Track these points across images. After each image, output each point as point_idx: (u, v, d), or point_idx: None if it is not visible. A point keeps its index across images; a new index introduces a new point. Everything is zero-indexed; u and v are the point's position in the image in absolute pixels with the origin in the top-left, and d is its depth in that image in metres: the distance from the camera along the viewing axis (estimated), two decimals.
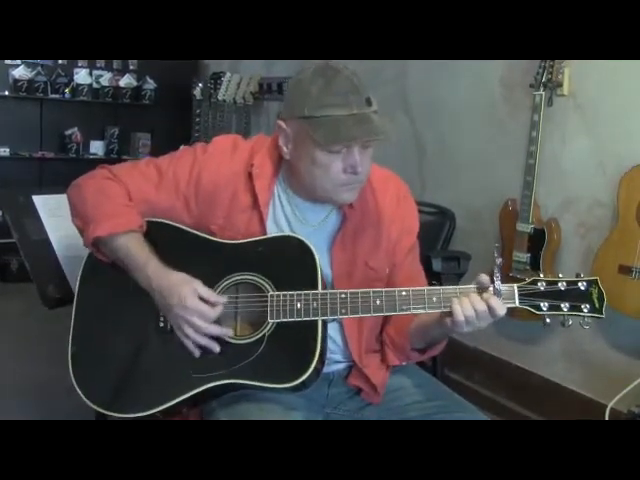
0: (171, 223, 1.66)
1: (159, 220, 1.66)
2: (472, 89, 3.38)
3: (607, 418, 2.65)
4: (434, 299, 1.49)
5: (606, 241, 2.67)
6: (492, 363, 3.33)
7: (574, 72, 2.86)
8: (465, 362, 3.37)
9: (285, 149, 1.60)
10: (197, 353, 1.55)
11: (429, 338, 1.64)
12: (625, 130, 2.71)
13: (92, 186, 1.66)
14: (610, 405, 2.64)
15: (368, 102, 1.52)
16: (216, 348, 1.54)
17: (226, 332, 1.54)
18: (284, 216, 1.67)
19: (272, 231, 1.65)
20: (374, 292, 1.51)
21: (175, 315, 1.53)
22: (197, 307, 1.51)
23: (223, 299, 1.54)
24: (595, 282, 1.47)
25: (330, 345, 1.65)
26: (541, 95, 2.86)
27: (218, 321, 1.55)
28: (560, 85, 2.87)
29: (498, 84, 3.23)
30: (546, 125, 2.89)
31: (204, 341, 1.53)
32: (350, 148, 1.52)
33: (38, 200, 2.13)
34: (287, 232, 1.65)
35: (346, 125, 1.48)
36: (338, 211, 1.68)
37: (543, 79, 2.86)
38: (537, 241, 2.91)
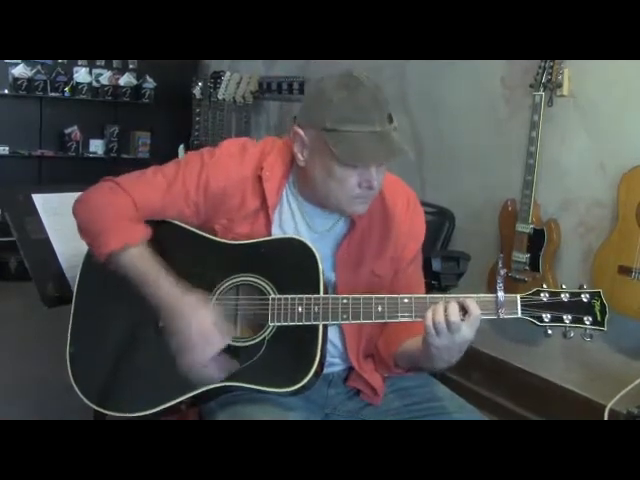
0: (174, 222, 1.64)
1: (162, 219, 1.64)
2: (472, 89, 3.38)
3: (606, 419, 2.64)
4: None
5: (606, 242, 2.67)
6: (491, 363, 3.33)
7: (574, 73, 2.86)
8: (464, 362, 3.35)
9: (300, 156, 1.58)
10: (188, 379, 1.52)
11: (414, 363, 1.62)
12: (625, 130, 2.71)
13: (99, 200, 1.63)
14: (609, 406, 2.64)
15: (390, 119, 1.51)
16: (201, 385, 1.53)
17: (219, 377, 1.52)
18: (292, 220, 1.66)
19: (277, 235, 1.63)
20: (376, 298, 1.51)
21: (182, 338, 1.50)
22: (199, 342, 1.48)
23: (228, 339, 1.51)
24: (598, 294, 1.46)
25: (330, 348, 1.65)
26: (541, 95, 2.86)
27: None
28: (560, 86, 2.87)
29: (498, 84, 3.23)
30: (546, 125, 2.89)
31: (196, 372, 1.51)
32: (367, 165, 1.51)
33: (38, 199, 2.13)
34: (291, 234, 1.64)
35: (367, 144, 1.47)
36: (346, 218, 1.66)
37: (543, 80, 2.86)
38: (537, 241, 2.91)
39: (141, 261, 1.56)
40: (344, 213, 1.62)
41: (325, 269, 1.56)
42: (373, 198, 1.60)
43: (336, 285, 1.64)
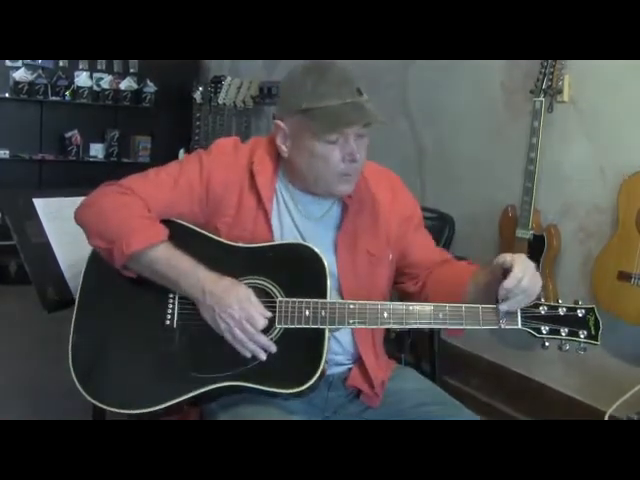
0: (183, 223, 1.66)
1: (171, 220, 1.65)
2: (472, 94, 3.39)
3: None
4: (440, 315, 1.53)
5: (606, 247, 2.67)
6: (490, 368, 3.33)
7: (574, 79, 2.86)
8: (463, 367, 3.37)
9: (284, 147, 1.65)
10: (249, 355, 1.53)
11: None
12: (625, 136, 2.71)
13: (110, 203, 1.62)
14: (609, 412, 2.64)
15: (359, 92, 1.58)
16: (262, 356, 1.53)
17: (270, 345, 1.53)
18: (287, 211, 1.70)
19: (276, 227, 1.67)
20: (382, 305, 1.54)
21: (229, 316, 1.51)
22: (250, 310, 1.51)
23: (268, 313, 1.54)
24: (592, 310, 1.54)
25: (334, 346, 1.66)
26: (541, 101, 2.87)
27: None
28: (560, 92, 2.88)
29: (498, 90, 3.24)
30: (546, 131, 2.89)
31: (252, 347, 1.52)
32: (346, 137, 1.58)
33: (39, 203, 2.13)
34: (291, 227, 1.69)
35: (341, 113, 1.55)
36: (339, 203, 1.72)
37: (543, 86, 2.86)
38: (537, 247, 2.91)
39: (173, 255, 1.57)
40: (333, 194, 1.67)
41: (324, 253, 1.58)
42: (358, 175, 1.66)
43: (337, 270, 1.67)
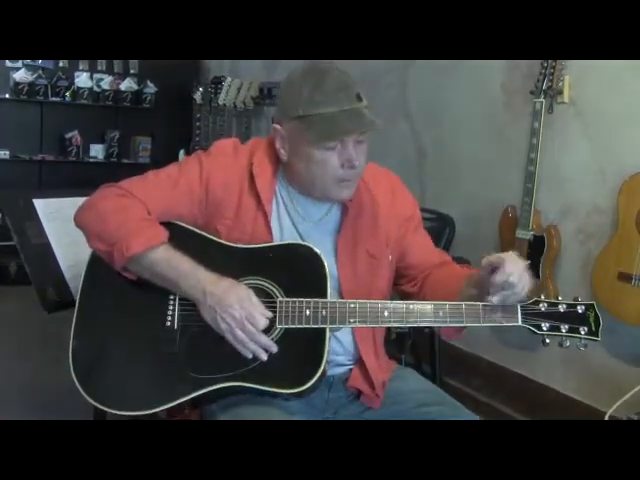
0: (183, 225, 1.66)
1: (171, 221, 1.65)
2: (473, 95, 3.39)
3: None
4: (440, 313, 1.53)
5: (606, 248, 2.67)
6: (490, 369, 3.33)
7: (574, 79, 2.86)
8: (464, 368, 3.37)
9: (282, 151, 1.65)
10: (250, 356, 1.53)
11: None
12: (625, 137, 2.71)
13: (110, 206, 1.62)
14: (609, 412, 2.64)
15: (358, 97, 1.57)
16: (263, 356, 1.53)
17: (271, 345, 1.53)
18: (287, 213, 1.70)
19: (276, 229, 1.67)
20: (382, 304, 1.55)
21: (230, 316, 1.51)
22: (251, 310, 1.51)
23: (269, 313, 1.54)
24: (592, 306, 1.54)
25: (335, 346, 1.67)
26: (541, 102, 2.87)
27: None
28: (560, 92, 2.88)
29: (499, 90, 3.24)
30: (546, 132, 2.89)
31: (253, 347, 1.52)
32: (344, 143, 1.57)
33: (39, 203, 2.14)
34: (290, 229, 1.69)
35: (339, 121, 1.54)
36: (339, 205, 1.72)
37: (544, 87, 2.86)
38: (537, 248, 2.91)
39: (173, 257, 1.57)
40: (331, 199, 1.67)
41: (324, 255, 1.58)
42: (357, 181, 1.66)
43: (338, 272, 1.67)
